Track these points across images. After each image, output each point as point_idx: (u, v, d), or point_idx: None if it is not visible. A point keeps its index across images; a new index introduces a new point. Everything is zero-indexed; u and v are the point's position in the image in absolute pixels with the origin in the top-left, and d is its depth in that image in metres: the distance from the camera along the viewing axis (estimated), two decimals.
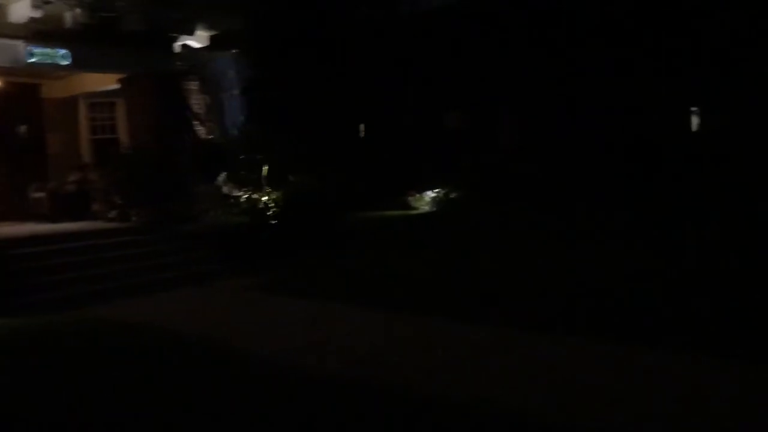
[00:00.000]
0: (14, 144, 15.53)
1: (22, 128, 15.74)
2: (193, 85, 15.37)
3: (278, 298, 10.39)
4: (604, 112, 17.33)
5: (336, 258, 12.49)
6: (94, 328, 8.92)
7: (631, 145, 16.93)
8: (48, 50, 12.81)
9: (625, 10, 16.85)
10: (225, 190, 14.39)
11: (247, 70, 16.37)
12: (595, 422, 5.11)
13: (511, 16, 18.36)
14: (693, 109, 18.21)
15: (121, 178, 13.83)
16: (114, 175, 14.04)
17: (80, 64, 13.52)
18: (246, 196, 13.81)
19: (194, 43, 15.27)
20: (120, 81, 14.97)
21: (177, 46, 14.95)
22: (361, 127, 21.07)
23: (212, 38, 15.45)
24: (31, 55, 12.67)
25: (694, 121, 18.28)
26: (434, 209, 17.32)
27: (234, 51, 16.01)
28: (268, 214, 13.54)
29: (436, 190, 17.56)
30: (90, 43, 13.16)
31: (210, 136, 15.47)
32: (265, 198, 13.69)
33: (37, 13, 12.11)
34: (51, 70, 14.15)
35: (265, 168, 14.19)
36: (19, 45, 12.50)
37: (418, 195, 17.80)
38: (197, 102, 15.45)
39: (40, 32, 12.61)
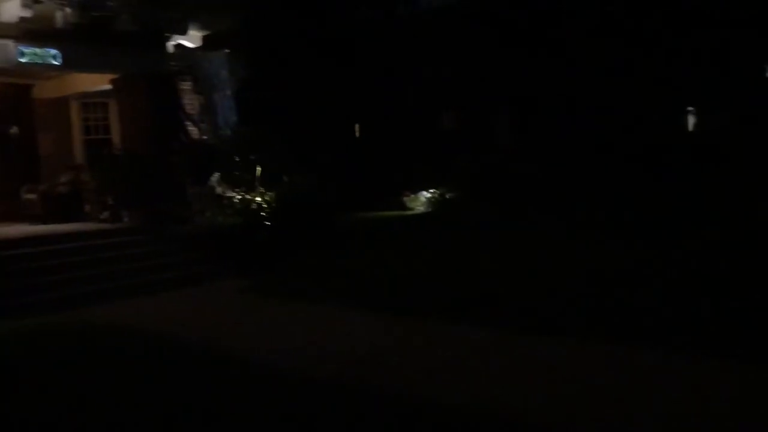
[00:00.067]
0: (6, 145, 15.44)
1: (14, 129, 15.64)
2: (186, 86, 15.25)
3: (272, 300, 10.34)
4: (601, 112, 17.32)
5: (330, 259, 12.41)
6: (86, 330, 8.86)
7: (629, 144, 16.92)
8: (39, 50, 12.72)
9: (624, 10, 16.83)
10: (219, 190, 14.27)
11: (240, 70, 16.26)
12: (595, 423, 5.07)
13: (508, 16, 18.32)
14: (690, 108, 18.22)
15: (113, 178, 13.74)
16: (106, 175, 13.93)
17: (71, 64, 13.42)
18: (240, 196, 13.71)
19: (187, 42, 15.16)
20: (112, 81, 14.88)
21: (170, 45, 14.86)
22: (356, 127, 21.01)
23: (205, 38, 15.35)
24: (22, 54, 12.57)
25: (691, 120, 18.30)
26: (430, 210, 17.26)
27: (227, 51, 15.90)
28: (262, 215, 13.44)
29: (432, 190, 17.50)
30: (81, 43, 13.05)
31: (203, 137, 15.35)
32: (258, 199, 13.59)
33: (28, 13, 12.00)
34: (42, 70, 14.05)
35: (259, 168, 14.09)
36: (9, 45, 12.39)
37: (413, 195, 17.75)
38: (190, 102, 15.33)
39: (30, 32, 12.51)
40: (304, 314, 9.21)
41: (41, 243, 11.87)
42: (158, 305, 10.22)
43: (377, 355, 7.08)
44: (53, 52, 12.88)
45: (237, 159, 14.19)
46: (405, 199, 17.81)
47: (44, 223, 13.97)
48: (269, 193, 13.73)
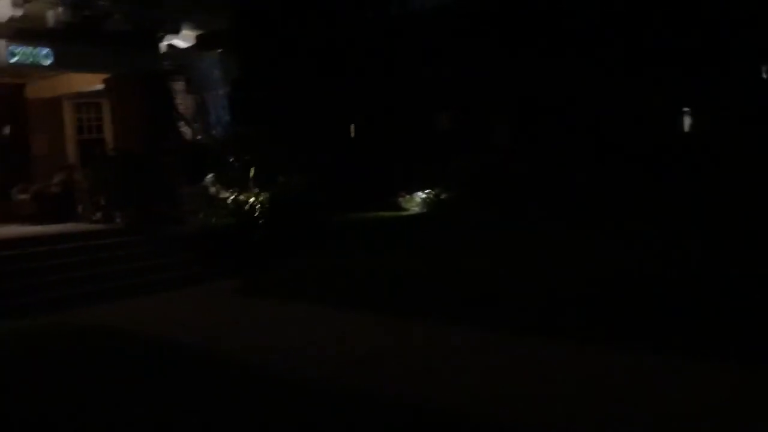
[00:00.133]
0: None
1: (6, 129, 15.56)
2: (179, 86, 15.19)
3: (266, 300, 10.30)
4: (600, 113, 17.27)
5: (324, 259, 12.34)
6: (80, 332, 8.77)
7: (628, 144, 16.86)
8: (29, 50, 12.62)
9: (621, 11, 16.78)
10: (212, 191, 14.21)
11: (234, 70, 16.20)
12: (595, 423, 5.08)
13: (505, 16, 18.26)
14: (686, 110, 18.17)
15: (105, 179, 13.67)
16: (98, 176, 13.86)
17: (63, 63, 13.33)
18: (233, 197, 13.63)
19: (180, 42, 15.07)
20: (105, 81, 14.78)
21: (163, 45, 14.75)
22: (352, 127, 20.94)
23: (198, 38, 15.25)
24: (13, 54, 12.48)
25: (689, 121, 18.24)
26: (425, 210, 17.21)
27: (220, 51, 15.82)
28: (255, 215, 13.38)
29: (427, 191, 17.44)
30: (73, 43, 12.95)
31: (197, 137, 15.28)
32: (253, 199, 13.52)
33: (18, 12, 11.88)
34: (34, 69, 13.93)
35: (253, 169, 14.01)
36: (0, 44, 12.29)
37: (408, 196, 17.71)
38: (183, 102, 15.27)
39: (21, 31, 12.41)
40: (299, 315, 9.20)
41: (33, 244, 11.79)
42: (153, 306, 10.18)
43: (375, 356, 7.08)
44: (44, 51, 12.78)
45: (231, 159, 14.13)
46: (400, 199, 17.77)
47: (36, 223, 13.89)
48: (263, 194, 13.66)
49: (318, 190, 14.23)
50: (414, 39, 19.06)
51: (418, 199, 17.53)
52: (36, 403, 6.17)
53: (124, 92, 14.54)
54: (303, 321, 8.89)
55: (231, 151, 14.29)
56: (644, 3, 16.76)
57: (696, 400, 5.39)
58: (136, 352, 7.70)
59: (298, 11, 18.32)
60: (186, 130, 15.19)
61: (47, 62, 12.94)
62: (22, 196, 14.79)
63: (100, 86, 15.05)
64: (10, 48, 12.40)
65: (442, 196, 17.26)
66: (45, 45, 12.76)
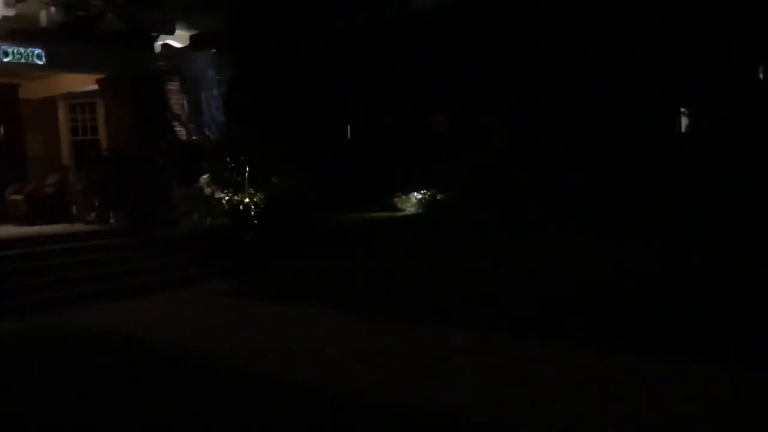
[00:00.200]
0: None
1: (0, 129, 15.46)
2: (174, 86, 15.10)
3: (260, 301, 10.24)
4: (598, 113, 17.23)
5: (320, 260, 12.28)
6: (75, 333, 8.70)
7: (626, 145, 16.83)
8: (22, 50, 12.57)
9: (621, 11, 16.75)
10: (207, 191, 14.15)
11: (228, 71, 16.13)
12: (595, 423, 5.05)
13: (502, 17, 18.22)
14: (684, 110, 18.16)
15: (99, 180, 13.60)
16: (92, 176, 13.79)
17: (56, 64, 13.28)
18: (228, 197, 13.57)
19: (175, 42, 14.99)
20: (99, 81, 14.71)
21: (157, 45, 14.68)
22: (348, 128, 20.89)
23: (193, 38, 15.18)
24: (5, 54, 12.44)
25: (687, 122, 18.23)
26: (420, 211, 17.16)
27: (214, 51, 15.75)
28: (250, 216, 13.31)
29: (423, 191, 17.40)
30: (66, 43, 12.88)
31: (191, 137, 15.21)
32: (247, 200, 13.46)
33: (10, 12, 11.82)
34: (27, 70, 13.90)
35: (248, 169, 13.94)
36: None
37: (404, 196, 17.65)
38: (178, 103, 15.18)
39: (14, 31, 12.34)
40: (297, 315, 9.15)
41: (28, 244, 11.76)
42: (148, 307, 10.14)
43: (374, 356, 7.06)
44: (37, 51, 12.73)
45: (227, 160, 14.05)
46: (396, 200, 17.72)
47: (30, 224, 13.83)
48: (259, 194, 13.60)
49: (313, 190, 14.17)
50: (413, 39, 19.00)
51: (413, 200, 17.47)
52: (32, 403, 6.11)
53: (118, 92, 14.48)
54: (300, 321, 8.85)
55: (226, 152, 14.23)
56: (644, 3, 16.73)
57: (696, 401, 5.37)
58: (132, 353, 7.65)
59: (295, 10, 18.24)
60: (181, 131, 15.12)
61: (40, 62, 12.90)
62: (16, 197, 14.72)
63: (94, 86, 15.00)
64: (3, 48, 12.36)
65: (439, 197, 17.22)
66: (38, 45, 12.71)
